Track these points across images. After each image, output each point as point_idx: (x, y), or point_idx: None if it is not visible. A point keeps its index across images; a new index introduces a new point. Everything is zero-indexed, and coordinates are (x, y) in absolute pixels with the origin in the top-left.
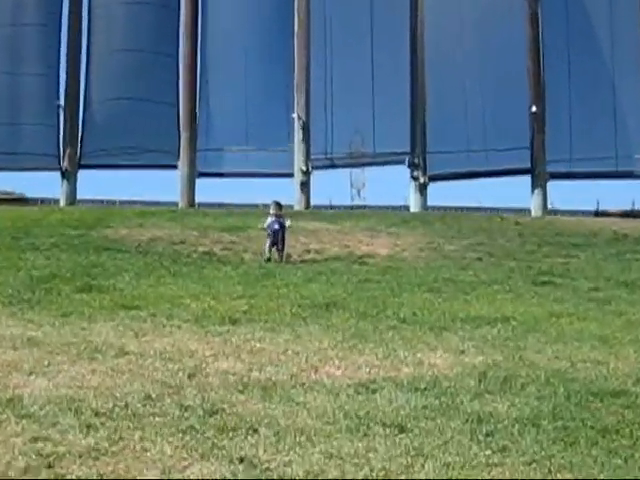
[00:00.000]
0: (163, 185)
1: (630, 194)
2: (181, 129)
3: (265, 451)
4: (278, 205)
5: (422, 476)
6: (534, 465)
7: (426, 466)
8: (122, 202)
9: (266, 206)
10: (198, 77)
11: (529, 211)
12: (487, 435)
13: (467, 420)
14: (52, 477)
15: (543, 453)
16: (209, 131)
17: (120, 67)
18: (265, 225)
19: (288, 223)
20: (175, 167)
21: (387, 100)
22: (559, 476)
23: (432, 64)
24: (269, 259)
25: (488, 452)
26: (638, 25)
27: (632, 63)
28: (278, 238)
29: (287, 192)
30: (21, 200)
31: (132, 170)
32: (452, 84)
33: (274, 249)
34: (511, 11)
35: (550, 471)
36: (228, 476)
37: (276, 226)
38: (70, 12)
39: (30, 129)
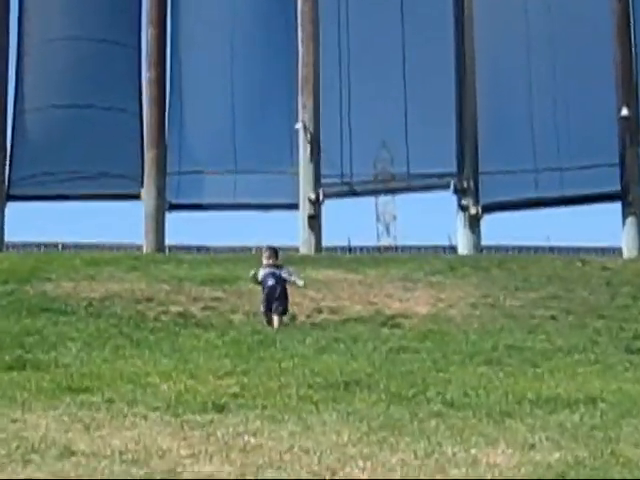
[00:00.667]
0: (122, 222)
1: None
2: (146, 146)
3: None
4: (273, 251)
5: None
6: None
7: None
8: (66, 246)
9: (259, 250)
10: (168, 77)
11: (620, 251)
12: None
13: None
14: None
15: None
16: (183, 148)
17: (62, 62)
18: (257, 278)
19: (301, 283)
20: (138, 197)
21: (424, 106)
22: None
23: (484, 60)
24: (269, 322)
25: None
26: None
27: None
28: (273, 298)
29: (291, 229)
30: None
31: (80, 202)
32: (512, 85)
33: (272, 312)
34: None
35: None
36: None
37: (270, 281)
38: None
39: None
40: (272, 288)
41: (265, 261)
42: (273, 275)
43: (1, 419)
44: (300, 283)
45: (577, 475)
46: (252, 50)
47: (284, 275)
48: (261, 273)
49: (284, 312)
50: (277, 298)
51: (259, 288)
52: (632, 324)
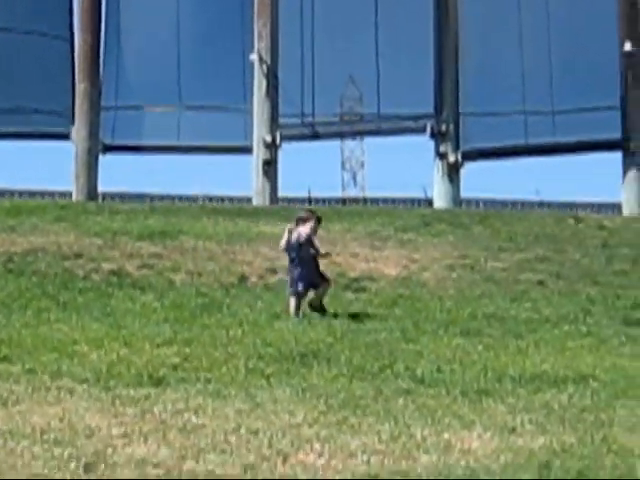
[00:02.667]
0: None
1: None
2: (77, 77)
3: None
4: (315, 217)
5: None
6: None
7: None
8: None
9: (212, 200)
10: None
11: (619, 208)
12: None
13: None
14: None
15: None
16: (121, 81)
17: None
18: (282, 245)
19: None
20: (67, 137)
21: (398, 37)
22: None
23: None
24: (298, 313)
25: None
26: None
27: None
28: (310, 272)
29: (242, 177)
30: None
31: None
32: (499, 16)
33: (308, 296)
34: None
35: None
36: None
37: (293, 254)
38: None
39: None
40: (303, 257)
41: (308, 224)
42: (301, 240)
43: None
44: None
45: (563, 464)
46: None
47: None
48: (295, 238)
49: (329, 285)
50: (315, 271)
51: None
52: (630, 292)
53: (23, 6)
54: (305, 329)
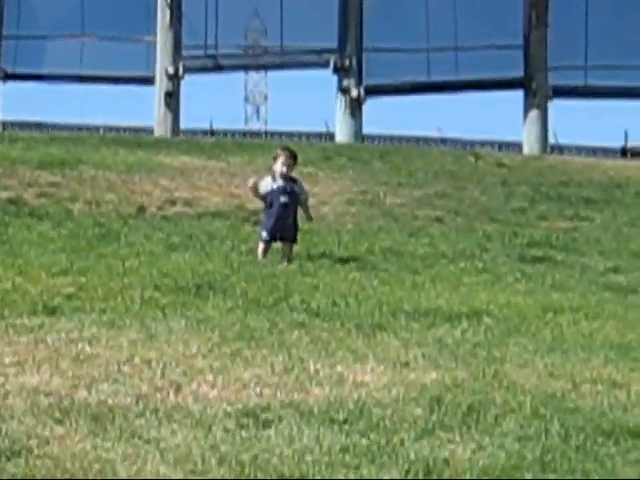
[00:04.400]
0: None
1: None
2: None
3: None
4: (292, 156)
5: None
6: None
7: None
8: None
9: (113, 130)
10: None
11: (519, 147)
12: None
13: (409, 471)
14: None
15: None
16: (23, 8)
17: None
18: (262, 191)
19: (306, 209)
20: None
21: None
22: None
23: None
24: (265, 255)
25: None
26: None
27: None
28: (284, 221)
29: (144, 107)
30: None
31: None
32: None
33: (279, 245)
34: None
35: None
36: None
37: (283, 198)
38: None
39: None
40: (284, 208)
41: (280, 168)
42: (285, 191)
43: None
44: (306, 196)
45: (454, 399)
46: None
47: (301, 194)
48: (268, 184)
49: (295, 241)
50: (289, 222)
51: (260, 205)
52: (527, 229)
53: None
54: (202, 261)
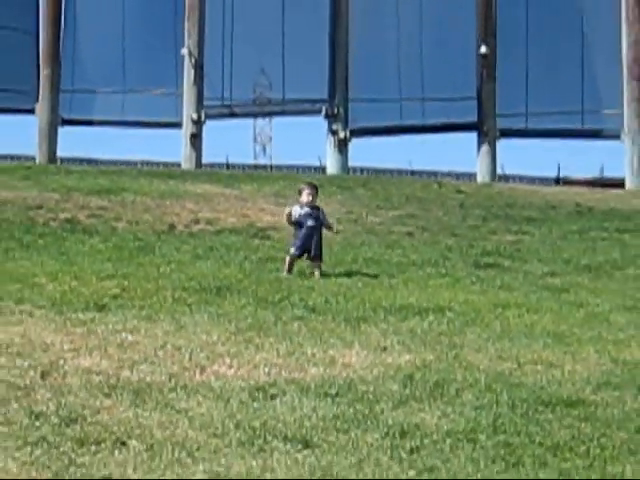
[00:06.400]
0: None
1: (598, 158)
2: (41, 64)
3: (135, 470)
4: (314, 189)
5: None
6: None
7: None
8: None
9: (148, 165)
10: None
11: (474, 177)
12: (411, 452)
13: (387, 434)
14: None
15: (480, 475)
16: (76, 67)
17: None
18: (288, 216)
19: (337, 227)
20: (32, 112)
21: (300, 35)
22: None
23: None
24: (290, 270)
25: (412, 473)
26: None
27: (606, 4)
28: (311, 241)
29: (174, 146)
30: None
31: None
32: (382, 17)
33: (305, 261)
34: None
35: None
36: None
37: (310, 222)
38: None
39: None
40: (312, 230)
41: (305, 198)
42: (312, 216)
43: None
44: (335, 227)
45: (423, 376)
46: None
47: (325, 219)
48: (297, 211)
49: (321, 258)
50: (315, 242)
51: (292, 228)
52: (481, 242)
53: None
54: (220, 267)
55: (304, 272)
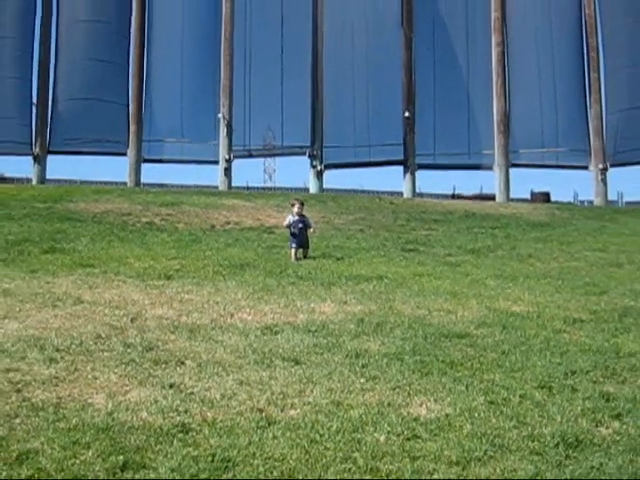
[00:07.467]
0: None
1: (479, 181)
2: (130, 123)
3: (190, 379)
4: (301, 203)
5: (311, 399)
6: (397, 390)
7: (315, 391)
8: (82, 182)
9: (199, 187)
10: (144, 81)
11: (401, 194)
12: (362, 367)
13: (347, 355)
14: (20, 400)
15: (405, 381)
16: (152, 125)
17: (82, 74)
18: (285, 223)
19: (315, 228)
20: (125, 154)
21: (293, 103)
22: (416, 399)
23: (329, 76)
24: (297, 258)
25: (363, 380)
26: (489, 44)
27: (482, 75)
28: (303, 237)
29: (213, 176)
30: (0, 179)
31: (90, 156)
32: (344, 93)
33: (300, 251)
34: (391, 36)
35: (409, 394)
36: (160, 399)
37: (300, 225)
38: (41, 27)
39: (8, 122)
40: (300, 230)
41: (296, 209)
42: (301, 221)
43: (40, 281)
44: (314, 229)
45: (370, 319)
46: (194, 61)
47: (310, 223)
48: (290, 219)
49: (308, 247)
50: (304, 239)
51: (288, 230)
52: (406, 235)
53: (98, 84)
54: (243, 252)
55: (299, 257)
